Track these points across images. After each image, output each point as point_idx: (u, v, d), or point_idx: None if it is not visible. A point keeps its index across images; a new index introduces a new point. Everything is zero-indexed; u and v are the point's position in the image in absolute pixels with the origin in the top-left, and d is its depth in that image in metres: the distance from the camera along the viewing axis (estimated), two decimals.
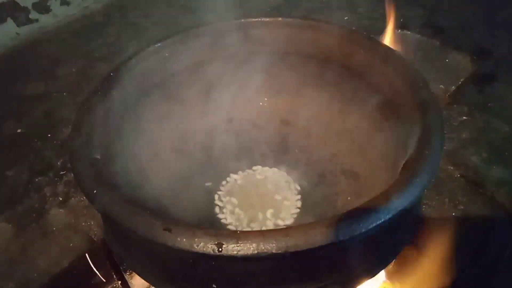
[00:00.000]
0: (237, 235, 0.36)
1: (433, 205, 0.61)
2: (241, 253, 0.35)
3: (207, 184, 0.65)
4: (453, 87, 0.80)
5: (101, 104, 0.53)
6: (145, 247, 0.43)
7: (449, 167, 0.66)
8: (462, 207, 0.61)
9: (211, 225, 0.59)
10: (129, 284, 0.69)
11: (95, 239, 0.62)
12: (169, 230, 0.37)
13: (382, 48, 0.58)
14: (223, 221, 0.61)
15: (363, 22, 0.98)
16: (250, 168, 0.67)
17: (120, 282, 0.67)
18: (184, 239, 0.36)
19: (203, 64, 0.67)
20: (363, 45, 0.60)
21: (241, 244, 0.35)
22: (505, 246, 0.58)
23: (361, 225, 0.38)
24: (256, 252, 0.35)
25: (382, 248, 0.46)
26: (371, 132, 0.58)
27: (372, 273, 0.46)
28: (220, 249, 0.35)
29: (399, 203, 0.39)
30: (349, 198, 0.58)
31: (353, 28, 0.62)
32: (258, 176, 0.66)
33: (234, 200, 0.63)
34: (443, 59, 0.86)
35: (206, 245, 0.36)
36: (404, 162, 0.46)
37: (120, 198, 0.40)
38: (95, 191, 0.41)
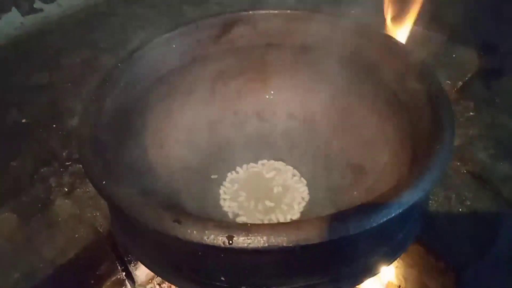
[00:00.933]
0: (248, 228, 0.36)
1: (439, 200, 0.61)
2: (251, 246, 0.35)
3: (213, 176, 0.65)
4: (460, 82, 0.79)
5: (108, 95, 0.53)
6: (153, 238, 0.43)
7: (456, 162, 0.65)
8: (468, 203, 0.61)
9: (217, 218, 0.59)
10: (133, 275, 0.69)
11: (100, 230, 0.62)
12: (179, 222, 0.37)
13: (391, 42, 0.58)
14: (229, 214, 0.60)
15: (371, 16, 0.97)
16: (256, 161, 0.67)
17: (124, 273, 0.67)
18: (195, 231, 0.36)
19: (209, 56, 0.66)
20: (371, 39, 0.59)
21: (252, 237, 0.35)
22: (511, 241, 0.58)
23: (372, 219, 0.37)
24: (266, 245, 0.35)
25: (390, 243, 0.46)
26: (379, 126, 0.58)
27: (379, 267, 0.46)
28: (231, 242, 0.35)
29: (409, 198, 0.39)
30: (355, 192, 0.57)
31: (361, 22, 0.62)
32: (265, 169, 0.66)
33: (240, 193, 0.63)
34: (449, 54, 0.86)
35: (216, 238, 0.36)
36: (414, 157, 0.47)
37: (130, 189, 0.40)
38: (104, 182, 0.41)
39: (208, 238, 0.36)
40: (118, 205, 0.39)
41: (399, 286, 0.63)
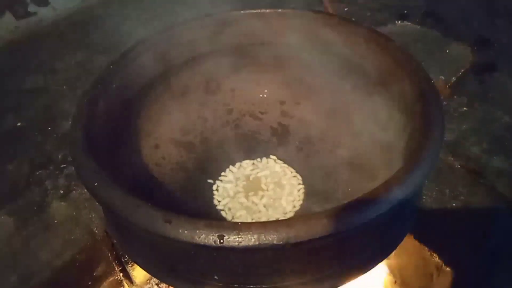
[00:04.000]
0: (238, 227, 0.36)
1: (433, 196, 0.61)
2: (242, 244, 0.35)
3: (207, 177, 0.65)
4: (453, 78, 0.80)
5: (102, 96, 0.53)
6: (146, 239, 0.44)
7: (450, 158, 0.66)
8: (462, 198, 0.61)
9: (211, 217, 0.59)
10: (131, 276, 0.69)
11: (96, 231, 0.62)
12: (170, 222, 0.37)
13: (383, 39, 0.58)
14: (222, 213, 0.61)
15: (363, 13, 0.97)
16: (250, 159, 0.67)
17: (122, 274, 0.68)
18: (186, 231, 0.36)
19: (203, 55, 0.66)
20: (363, 36, 0.59)
21: (242, 236, 0.35)
22: (506, 236, 0.58)
23: (362, 216, 0.38)
24: (257, 243, 0.35)
25: (382, 239, 0.46)
26: (373, 123, 0.58)
27: (373, 264, 0.46)
28: (222, 241, 0.35)
29: (399, 193, 0.39)
30: (350, 189, 0.58)
31: (353, 19, 0.62)
32: (259, 168, 0.66)
33: (234, 191, 0.63)
34: (443, 50, 0.86)
35: (207, 237, 0.36)
36: (406, 151, 0.47)
37: (121, 190, 0.40)
38: (96, 184, 0.41)
39: (199, 237, 0.36)
40: (110, 206, 0.40)
41: (395, 282, 0.64)
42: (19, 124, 0.79)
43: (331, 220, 0.37)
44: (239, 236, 0.35)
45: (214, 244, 0.36)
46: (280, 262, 0.41)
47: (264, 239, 0.35)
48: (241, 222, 0.37)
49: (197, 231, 0.36)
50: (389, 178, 0.41)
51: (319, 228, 0.36)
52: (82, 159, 0.43)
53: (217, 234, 0.36)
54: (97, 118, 0.50)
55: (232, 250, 0.36)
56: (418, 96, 0.48)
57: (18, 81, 0.89)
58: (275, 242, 0.35)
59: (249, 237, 0.35)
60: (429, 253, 0.56)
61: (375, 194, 0.39)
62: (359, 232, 0.42)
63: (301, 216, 0.37)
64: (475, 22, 0.92)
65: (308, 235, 0.36)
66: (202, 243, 0.36)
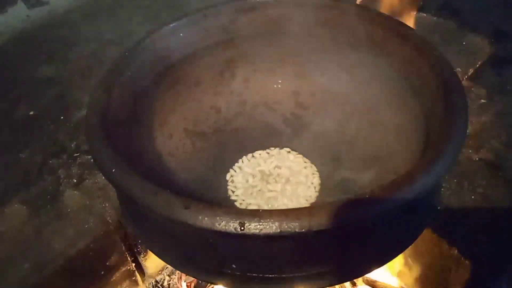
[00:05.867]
0: (260, 214, 0.35)
1: (452, 188, 0.60)
2: (263, 231, 0.35)
3: (221, 167, 0.64)
4: (471, 70, 0.78)
5: (116, 84, 0.52)
6: (164, 226, 0.43)
7: (468, 150, 0.64)
8: (481, 190, 0.60)
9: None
10: (143, 267, 0.69)
11: (110, 221, 0.62)
12: (190, 209, 0.36)
13: (402, 28, 0.57)
14: (236, 203, 0.60)
15: (377, 4, 0.96)
16: (264, 149, 0.67)
17: (134, 264, 0.67)
18: (206, 218, 0.35)
19: (217, 45, 0.66)
20: (382, 25, 0.58)
21: (264, 223, 0.35)
22: None
23: (385, 204, 0.37)
24: (279, 230, 0.35)
25: (403, 230, 0.45)
26: (391, 113, 0.57)
27: (392, 255, 0.45)
28: (243, 228, 0.35)
29: (423, 183, 0.39)
30: (368, 180, 0.57)
31: (369, 7, 0.61)
32: (274, 158, 0.65)
33: (248, 182, 0.62)
34: (460, 42, 0.85)
35: (228, 224, 0.35)
36: (427, 142, 0.46)
37: (140, 176, 0.40)
38: (113, 170, 0.41)
39: (219, 224, 0.35)
40: (128, 192, 0.39)
41: (414, 277, 0.63)
42: (31, 113, 0.79)
43: (354, 208, 0.36)
44: (260, 223, 0.35)
45: (235, 231, 0.35)
46: (299, 251, 0.40)
47: (286, 226, 0.35)
48: (262, 210, 0.36)
49: (218, 218, 0.35)
50: (412, 167, 0.40)
51: (342, 216, 0.35)
52: (99, 145, 0.43)
53: (238, 221, 0.35)
54: (113, 106, 0.50)
55: (253, 237, 0.35)
56: (440, 84, 0.47)
57: (30, 70, 0.89)
58: (297, 229, 0.35)
59: (271, 224, 0.35)
60: (447, 246, 0.55)
61: (399, 183, 0.38)
62: (380, 222, 0.41)
63: (324, 203, 0.36)
64: (492, 14, 0.91)
65: (331, 223, 0.35)
66: (223, 230, 0.35)
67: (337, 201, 0.36)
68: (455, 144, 0.41)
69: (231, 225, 0.35)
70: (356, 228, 0.39)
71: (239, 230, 0.35)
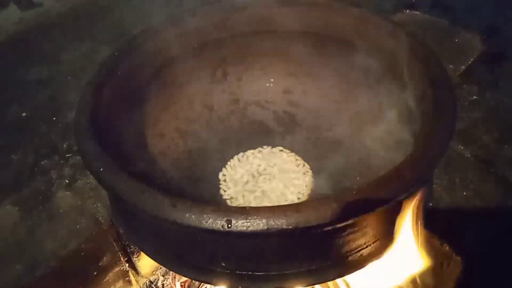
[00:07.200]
0: (247, 211, 0.35)
1: (443, 184, 0.60)
2: (250, 229, 0.35)
3: (213, 166, 0.64)
4: (462, 66, 0.78)
5: (106, 84, 0.52)
6: (152, 225, 0.43)
7: (460, 146, 0.64)
8: (473, 187, 0.60)
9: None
10: (137, 267, 0.69)
11: (102, 221, 0.62)
12: (177, 207, 0.36)
13: (392, 26, 0.57)
14: (228, 202, 0.60)
15: (372, 0, 0.96)
16: (257, 148, 0.67)
17: (127, 264, 0.67)
18: (193, 216, 0.35)
19: (209, 44, 0.66)
20: (373, 23, 0.58)
21: (251, 220, 0.35)
22: None
23: (371, 202, 0.37)
24: (266, 227, 0.35)
25: (390, 225, 0.45)
26: (382, 111, 0.57)
27: (381, 251, 0.45)
28: (230, 225, 0.35)
29: (410, 179, 0.39)
30: (358, 178, 0.57)
31: (360, 7, 0.61)
32: (266, 156, 0.65)
33: (240, 180, 0.62)
34: (452, 39, 0.85)
35: (215, 222, 0.35)
36: (415, 140, 0.46)
37: (128, 176, 0.40)
38: (101, 169, 0.41)
39: (206, 222, 0.35)
40: (115, 191, 0.39)
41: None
42: (24, 114, 0.79)
43: (341, 205, 0.36)
44: (247, 220, 0.35)
45: (222, 229, 0.35)
46: (287, 248, 0.40)
47: (273, 223, 0.35)
48: (249, 207, 0.36)
49: (205, 216, 0.35)
50: (399, 164, 0.40)
51: (328, 212, 0.35)
52: (86, 144, 0.43)
53: (225, 219, 0.35)
54: (102, 106, 0.50)
55: (240, 235, 0.35)
56: (430, 82, 0.47)
57: (22, 72, 0.89)
58: (284, 226, 0.35)
59: (258, 222, 0.35)
60: (439, 242, 0.55)
61: (385, 179, 0.38)
62: (368, 219, 0.41)
63: (310, 200, 0.37)
64: (484, 11, 0.91)
65: (317, 219, 0.35)
66: (210, 228, 0.35)
67: (324, 198, 0.36)
68: (441, 140, 0.41)
69: (218, 223, 0.35)
70: (345, 225, 0.39)
71: (226, 227, 0.35)
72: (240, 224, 0.35)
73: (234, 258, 0.41)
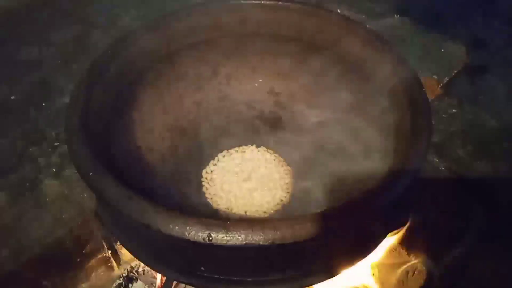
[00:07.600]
0: (227, 226, 0.38)
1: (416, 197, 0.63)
2: (230, 243, 0.37)
3: (197, 164, 0.66)
4: (446, 78, 0.81)
5: (98, 82, 0.53)
6: (136, 227, 0.45)
7: (435, 159, 0.67)
8: (443, 199, 0.63)
9: (199, 207, 0.60)
10: (119, 253, 0.71)
11: (87, 210, 0.63)
12: (161, 216, 0.39)
13: (377, 38, 0.59)
14: (210, 201, 0.62)
15: (363, 3, 0.97)
16: (241, 147, 0.69)
17: (110, 251, 0.69)
18: (177, 227, 0.38)
19: (199, 43, 0.67)
20: (354, 33, 0.60)
21: (230, 235, 0.37)
22: (481, 237, 0.61)
23: (344, 222, 0.40)
24: (244, 243, 0.37)
25: (364, 239, 0.48)
26: (364, 117, 0.59)
27: (354, 262, 0.48)
28: (210, 239, 0.37)
29: (384, 201, 0.41)
30: (339, 180, 0.59)
31: (347, 16, 0.63)
32: (249, 156, 0.67)
33: (223, 179, 0.64)
34: (438, 48, 0.87)
35: (197, 234, 0.37)
36: (393, 153, 0.48)
37: (114, 181, 0.41)
38: (90, 174, 0.42)
39: (189, 234, 0.38)
40: (103, 197, 0.41)
41: (373, 274, 0.66)
42: (13, 97, 0.79)
43: (316, 224, 0.38)
44: (227, 235, 0.37)
45: (203, 242, 0.37)
46: (264, 258, 0.43)
47: (251, 239, 0.37)
48: (230, 221, 0.38)
49: (188, 227, 0.38)
50: (374, 186, 0.42)
51: (303, 231, 0.38)
52: (78, 149, 0.44)
53: (206, 232, 0.37)
54: (93, 105, 0.51)
55: (220, 248, 0.38)
56: (408, 103, 0.50)
57: (11, 51, 0.88)
58: (261, 242, 0.37)
59: (237, 237, 0.37)
60: (406, 253, 0.58)
61: (358, 200, 0.41)
62: (343, 235, 0.44)
63: (287, 218, 0.39)
64: (472, 22, 0.92)
65: (293, 237, 0.37)
66: (192, 240, 0.37)
67: (300, 216, 0.39)
68: (416, 164, 0.44)
69: (199, 235, 0.37)
70: (319, 241, 0.42)
71: (207, 240, 0.37)
72: (220, 238, 0.37)
73: (213, 264, 0.44)
